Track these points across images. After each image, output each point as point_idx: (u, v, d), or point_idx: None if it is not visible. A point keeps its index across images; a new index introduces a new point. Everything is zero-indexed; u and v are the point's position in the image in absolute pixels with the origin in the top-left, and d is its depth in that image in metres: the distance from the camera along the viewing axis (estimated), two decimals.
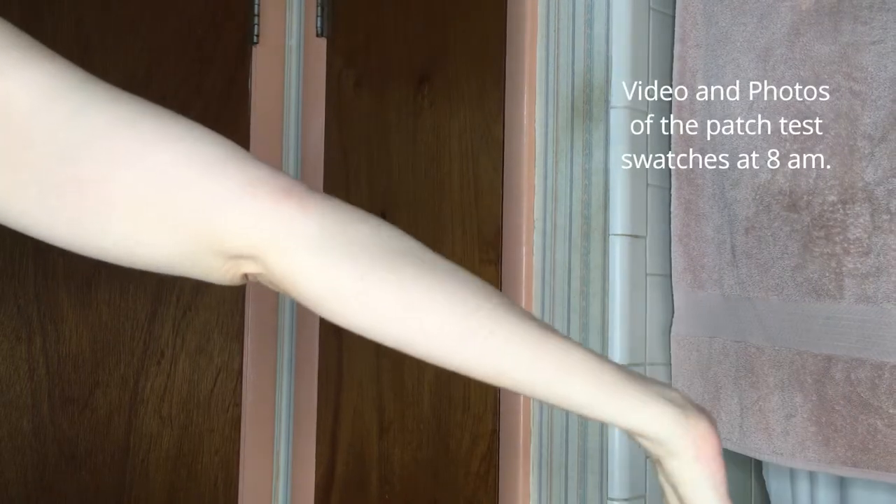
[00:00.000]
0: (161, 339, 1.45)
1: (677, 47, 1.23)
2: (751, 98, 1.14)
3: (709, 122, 1.19)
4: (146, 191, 0.49)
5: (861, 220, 1.04)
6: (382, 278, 0.52)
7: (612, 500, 1.17)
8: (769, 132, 1.12)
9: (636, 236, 1.22)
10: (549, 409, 1.25)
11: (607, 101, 1.21)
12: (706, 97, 1.19)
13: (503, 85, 1.29)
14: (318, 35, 1.54)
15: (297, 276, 0.52)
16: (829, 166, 1.06)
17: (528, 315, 0.55)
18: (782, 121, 1.10)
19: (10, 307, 1.38)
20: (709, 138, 1.19)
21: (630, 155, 1.20)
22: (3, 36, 0.47)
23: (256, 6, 1.54)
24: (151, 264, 0.56)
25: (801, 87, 1.09)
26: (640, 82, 1.22)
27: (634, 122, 1.21)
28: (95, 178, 0.48)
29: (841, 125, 1.05)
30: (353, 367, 1.43)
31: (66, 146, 0.47)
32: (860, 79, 1.04)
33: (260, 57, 1.55)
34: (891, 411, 1.01)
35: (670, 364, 1.24)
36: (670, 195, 1.23)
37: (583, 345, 0.63)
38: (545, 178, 1.29)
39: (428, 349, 0.53)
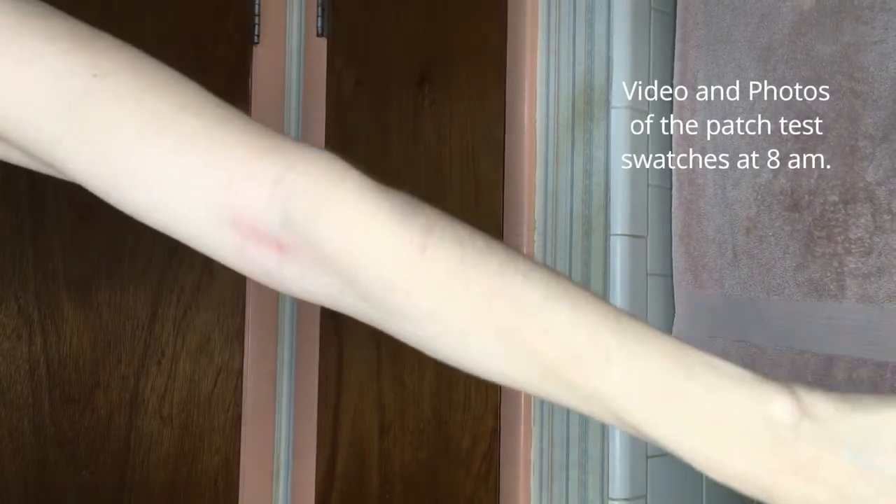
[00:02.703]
0: (161, 338, 1.45)
1: (678, 47, 1.23)
2: (752, 98, 1.13)
3: (709, 122, 1.19)
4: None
5: (862, 221, 1.04)
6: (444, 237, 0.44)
7: (613, 500, 1.17)
8: (770, 132, 1.11)
9: (637, 236, 1.22)
10: (549, 409, 1.25)
11: (608, 101, 1.21)
12: (707, 97, 1.19)
13: (504, 85, 1.29)
14: (318, 35, 1.54)
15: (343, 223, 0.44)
16: (830, 166, 1.06)
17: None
18: (783, 121, 1.10)
19: (10, 307, 1.38)
20: (710, 138, 1.19)
21: (631, 155, 1.20)
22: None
23: (257, 6, 1.53)
24: (169, 229, 0.49)
25: (802, 87, 1.09)
26: (641, 82, 1.22)
27: (635, 122, 1.21)
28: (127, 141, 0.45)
29: (842, 125, 1.05)
30: (353, 367, 1.43)
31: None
32: (861, 79, 1.04)
33: (260, 57, 1.55)
34: None
35: None
36: (671, 195, 1.23)
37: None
38: (546, 178, 1.29)
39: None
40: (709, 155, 1.19)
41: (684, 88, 1.21)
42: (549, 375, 0.44)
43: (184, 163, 0.45)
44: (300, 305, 1.52)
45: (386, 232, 0.44)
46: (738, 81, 1.15)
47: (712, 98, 1.18)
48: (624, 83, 1.20)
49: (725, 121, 1.16)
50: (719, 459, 0.41)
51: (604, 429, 1.18)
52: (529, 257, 0.47)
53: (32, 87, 0.45)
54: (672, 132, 1.23)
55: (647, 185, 1.23)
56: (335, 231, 0.44)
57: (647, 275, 1.23)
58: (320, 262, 0.45)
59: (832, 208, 1.06)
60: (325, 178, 0.44)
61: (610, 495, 1.17)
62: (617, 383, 0.42)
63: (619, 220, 1.19)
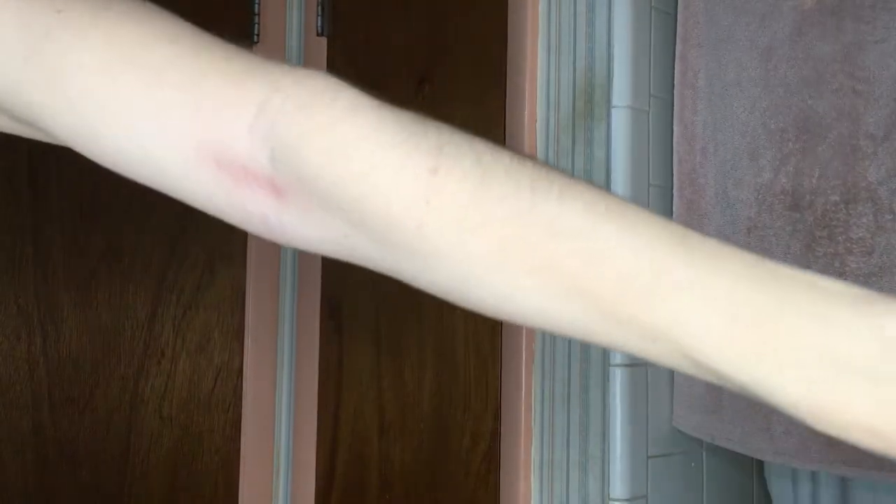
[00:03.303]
0: (161, 338, 1.45)
1: (679, 46, 1.22)
2: (753, 98, 1.13)
3: (710, 122, 1.18)
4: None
5: (864, 220, 1.04)
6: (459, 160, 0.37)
7: (614, 500, 1.16)
8: (771, 132, 1.11)
9: None
10: (549, 409, 1.25)
11: (608, 101, 1.21)
12: (708, 97, 1.19)
13: (504, 84, 1.29)
14: (318, 34, 1.53)
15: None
16: (831, 166, 1.06)
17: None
18: (784, 120, 1.10)
19: (10, 307, 1.37)
20: (710, 138, 1.18)
21: (631, 154, 1.20)
22: None
23: (256, 5, 1.53)
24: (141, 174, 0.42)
25: (803, 86, 1.09)
26: (642, 82, 1.22)
27: (636, 121, 1.21)
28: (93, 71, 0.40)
29: (843, 125, 1.05)
30: (353, 366, 1.43)
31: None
32: (863, 78, 1.04)
33: (260, 56, 1.54)
34: None
35: None
36: (672, 195, 1.23)
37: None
38: None
39: None
40: (710, 154, 1.19)
41: (685, 88, 1.21)
42: (600, 312, 0.36)
43: (156, 96, 0.39)
44: (300, 305, 1.51)
45: (389, 155, 0.37)
46: (739, 81, 1.15)
47: (713, 97, 1.18)
48: (625, 82, 1.20)
49: (726, 120, 1.16)
50: (833, 404, 0.32)
51: (605, 429, 1.18)
52: (566, 172, 0.38)
53: None
54: (673, 131, 1.23)
55: (648, 185, 1.23)
56: (330, 159, 0.37)
57: None
58: (318, 200, 0.38)
59: (833, 208, 1.06)
60: (313, 99, 0.38)
61: (610, 496, 1.17)
62: (688, 314, 0.34)
63: None
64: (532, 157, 0.39)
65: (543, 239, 0.36)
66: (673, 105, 1.23)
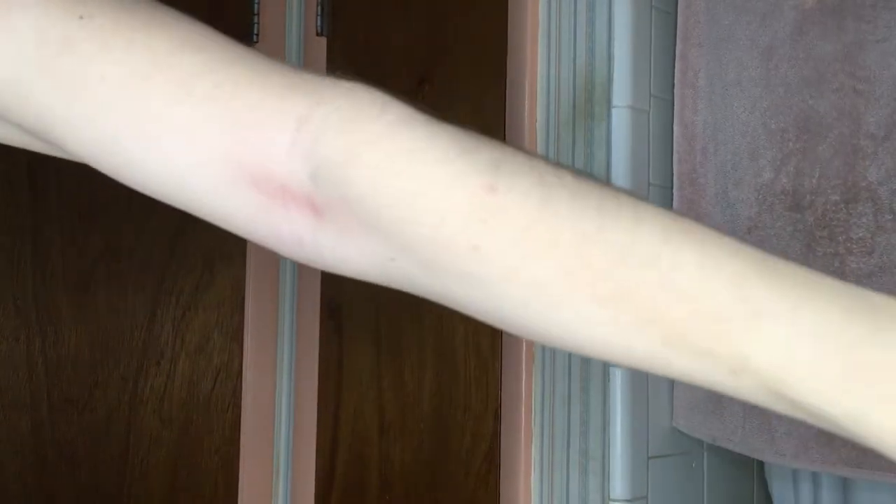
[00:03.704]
0: (160, 339, 1.44)
1: (679, 46, 1.22)
2: (753, 97, 1.13)
3: (711, 122, 1.18)
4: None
5: (864, 220, 1.03)
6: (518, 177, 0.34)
7: (614, 501, 1.16)
8: (772, 131, 1.11)
9: None
10: (550, 410, 1.25)
11: (609, 100, 1.21)
12: (708, 96, 1.19)
13: (504, 84, 1.29)
14: (317, 34, 1.53)
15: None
16: (832, 166, 1.06)
17: None
18: (785, 120, 1.10)
19: (8, 308, 1.37)
20: (711, 137, 1.18)
21: (631, 154, 1.20)
22: None
23: (256, 5, 1.53)
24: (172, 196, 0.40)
25: (804, 85, 1.08)
26: (642, 81, 1.22)
27: (636, 120, 1.20)
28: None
29: (844, 124, 1.05)
30: (353, 367, 1.42)
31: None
32: (863, 77, 1.04)
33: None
34: None
35: None
36: (672, 194, 1.23)
37: None
38: None
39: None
40: (710, 154, 1.19)
41: (685, 87, 1.21)
42: (676, 344, 0.33)
43: (185, 109, 0.36)
44: (300, 305, 1.51)
45: (441, 170, 0.34)
46: (739, 80, 1.14)
47: (713, 97, 1.18)
48: (625, 82, 1.20)
49: (726, 120, 1.16)
50: None
51: (605, 429, 1.18)
52: (635, 193, 0.35)
53: (13, 41, 0.37)
54: (674, 131, 1.23)
55: (649, 185, 1.23)
56: (376, 175, 0.34)
57: None
58: (361, 219, 0.35)
59: (834, 208, 1.06)
60: (359, 113, 0.35)
61: (611, 496, 1.16)
62: (774, 347, 0.31)
63: None
64: (592, 176, 0.36)
65: (614, 265, 0.33)
66: (673, 105, 1.22)
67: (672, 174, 1.23)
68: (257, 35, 1.53)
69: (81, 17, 0.37)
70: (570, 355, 1.21)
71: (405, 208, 0.34)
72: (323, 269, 0.38)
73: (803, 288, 0.32)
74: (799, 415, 0.34)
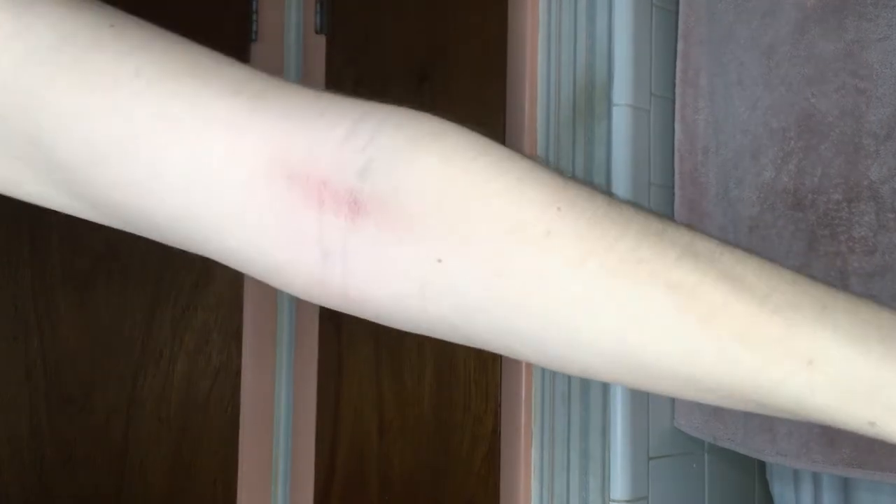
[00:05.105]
0: (159, 339, 1.44)
1: (680, 45, 1.22)
2: (754, 96, 1.13)
3: (712, 121, 1.18)
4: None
5: (866, 219, 1.03)
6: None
7: (615, 501, 1.16)
8: (773, 130, 1.11)
9: None
10: (550, 410, 1.24)
11: (609, 99, 1.20)
12: (709, 95, 1.18)
13: (504, 83, 1.29)
14: (317, 32, 1.53)
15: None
16: (833, 165, 1.05)
17: None
18: (786, 119, 1.09)
19: (7, 308, 1.37)
20: (712, 137, 1.18)
21: (632, 153, 1.19)
22: None
23: (255, 3, 1.52)
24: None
25: (805, 84, 1.08)
26: (643, 80, 1.21)
27: (637, 119, 1.20)
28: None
29: (846, 123, 1.05)
30: (352, 366, 1.42)
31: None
32: (865, 76, 1.03)
33: (259, 54, 1.54)
34: None
35: None
36: (673, 194, 1.23)
37: None
38: None
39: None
40: (711, 153, 1.18)
41: (686, 86, 1.21)
42: (716, 388, 0.32)
43: (230, 102, 0.35)
44: (299, 305, 1.51)
45: (516, 165, 0.34)
46: (740, 79, 1.14)
47: (715, 96, 1.17)
48: (626, 80, 1.19)
49: (728, 119, 1.15)
50: None
51: (605, 429, 1.17)
52: (690, 226, 0.35)
53: (29, 40, 0.35)
54: (674, 130, 1.22)
55: (649, 184, 1.22)
56: (442, 160, 0.33)
57: None
58: (412, 215, 0.33)
59: (836, 207, 1.05)
60: (416, 118, 0.35)
61: (611, 496, 1.16)
62: (822, 394, 0.31)
63: None
64: (632, 202, 0.35)
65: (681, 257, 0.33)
66: (674, 104, 1.22)
67: (673, 173, 1.22)
68: (256, 33, 1.53)
69: (112, 26, 0.36)
70: None
71: (471, 198, 0.33)
72: (336, 301, 0.35)
73: (856, 335, 0.31)
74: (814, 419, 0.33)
